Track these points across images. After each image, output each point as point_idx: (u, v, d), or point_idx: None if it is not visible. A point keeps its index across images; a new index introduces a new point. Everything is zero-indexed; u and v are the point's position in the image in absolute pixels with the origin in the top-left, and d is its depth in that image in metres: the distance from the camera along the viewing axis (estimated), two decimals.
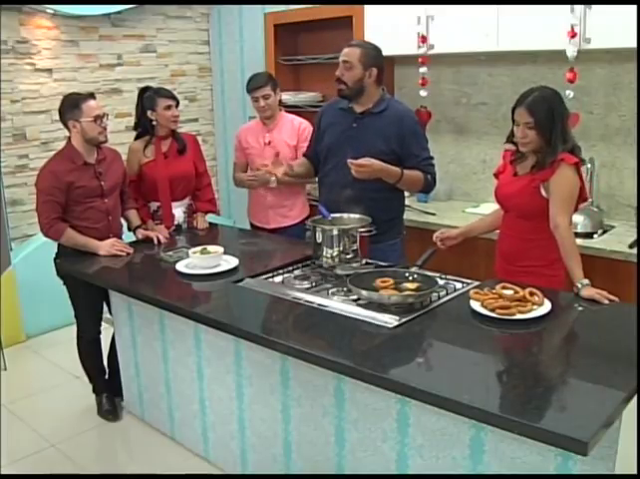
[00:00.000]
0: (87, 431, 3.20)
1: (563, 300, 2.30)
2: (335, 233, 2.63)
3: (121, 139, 4.12)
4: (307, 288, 2.51)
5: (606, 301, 2.24)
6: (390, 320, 2.14)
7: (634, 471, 1.81)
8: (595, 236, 3.20)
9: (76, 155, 3.01)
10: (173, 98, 3.35)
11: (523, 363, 1.90)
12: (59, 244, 3.08)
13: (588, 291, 2.28)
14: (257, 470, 2.66)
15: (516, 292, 2.21)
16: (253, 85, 3.46)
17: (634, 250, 2.91)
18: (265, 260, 2.99)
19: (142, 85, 3.60)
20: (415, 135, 2.93)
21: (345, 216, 2.78)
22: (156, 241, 3.21)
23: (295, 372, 2.35)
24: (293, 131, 3.52)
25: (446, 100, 4.06)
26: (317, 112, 3.26)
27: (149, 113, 3.32)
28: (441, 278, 2.47)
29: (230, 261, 2.79)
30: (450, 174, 4.08)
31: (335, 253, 2.63)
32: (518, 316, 2.11)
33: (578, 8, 3.04)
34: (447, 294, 2.37)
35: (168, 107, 3.31)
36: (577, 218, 3.24)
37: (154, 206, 3.44)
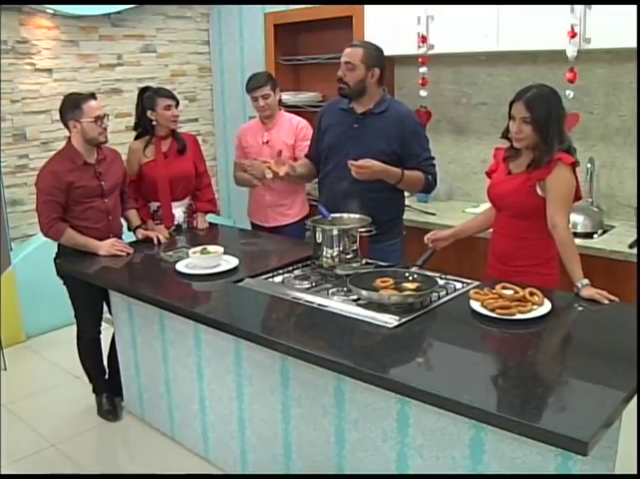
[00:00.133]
0: (87, 431, 3.20)
1: (563, 300, 2.30)
2: (335, 233, 2.63)
3: (121, 139, 4.11)
4: (307, 288, 2.51)
5: (606, 301, 2.24)
6: (390, 320, 2.14)
7: (634, 471, 1.81)
8: (595, 236, 3.20)
9: (76, 155, 3.01)
10: (173, 98, 3.35)
11: (523, 363, 1.90)
12: (59, 244, 3.08)
13: (588, 291, 2.27)
14: (257, 470, 2.66)
15: (516, 292, 2.21)
16: (253, 85, 3.47)
17: (634, 250, 2.91)
18: (265, 260, 2.99)
19: (142, 85, 3.60)
20: (416, 135, 2.93)
21: (345, 216, 2.78)
22: (155, 241, 3.21)
23: (295, 372, 2.35)
24: (291, 130, 3.53)
25: (446, 100, 4.06)
26: (317, 112, 3.26)
27: (148, 113, 3.32)
28: (441, 278, 2.47)
29: (230, 261, 2.79)
30: (450, 174, 4.08)
31: (335, 253, 2.63)
32: (518, 316, 2.11)
33: (578, 8, 3.04)
34: (447, 294, 2.37)
35: (168, 107, 3.32)
36: (577, 218, 3.24)
37: (154, 206, 3.44)
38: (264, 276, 2.68)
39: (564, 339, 2.17)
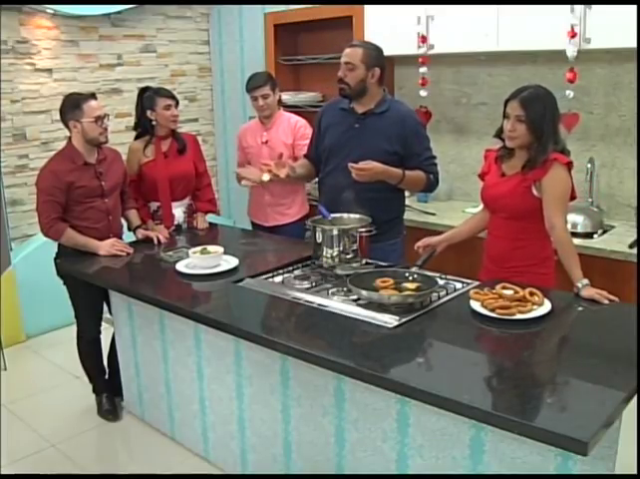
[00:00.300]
0: (87, 431, 3.20)
1: (563, 300, 2.29)
2: (335, 233, 2.63)
3: (121, 139, 4.11)
4: (307, 288, 2.51)
5: (606, 301, 2.24)
6: (390, 320, 2.14)
7: (634, 471, 1.82)
8: (595, 236, 3.20)
9: (76, 155, 3.01)
10: (173, 97, 3.36)
11: (523, 363, 1.90)
12: (59, 244, 3.08)
13: (588, 291, 2.27)
14: (257, 470, 2.66)
15: (516, 292, 2.21)
16: (252, 84, 3.47)
17: (634, 250, 2.91)
18: (265, 260, 3.00)
19: (142, 85, 3.60)
20: (417, 135, 2.94)
21: (345, 216, 2.78)
22: (155, 242, 3.21)
23: (295, 372, 2.35)
24: (289, 129, 3.53)
25: (446, 100, 4.06)
26: (317, 112, 3.26)
27: (148, 113, 3.32)
28: (441, 278, 2.47)
29: (230, 261, 2.79)
30: (450, 174, 4.08)
31: (335, 253, 2.63)
32: (518, 316, 2.11)
33: (578, 8, 3.04)
34: (447, 294, 2.37)
35: (168, 106, 3.32)
36: (577, 218, 3.25)
37: (154, 206, 3.44)
38: (264, 276, 2.68)
39: (564, 339, 2.17)
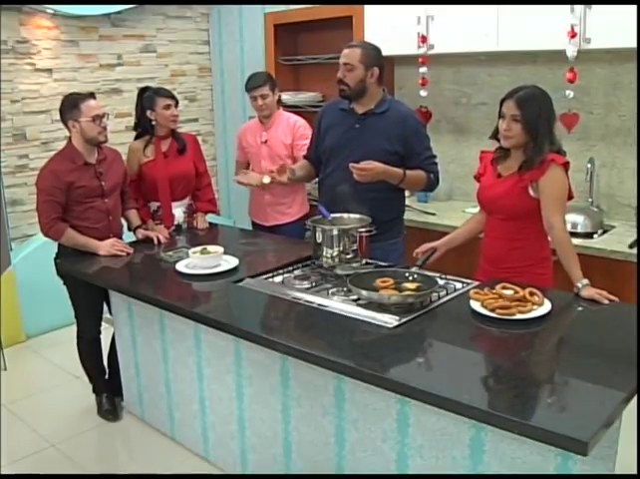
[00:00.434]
0: (87, 431, 3.20)
1: (563, 300, 2.29)
2: (335, 233, 2.63)
3: (121, 139, 4.12)
4: (307, 288, 2.51)
5: (606, 301, 2.24)
6: (390, 320, 2.14)
7: (634, 471, 1.82)
8: (595, 236, 3.21)
9: (76, 155, 3.01)
10: (172, 97, 3.36)
11: (523, 363, 1.90)
12: (59, 244, 3.08)
13: (588, 291, 2.27)
14: (257, 470, 2.66)
15: (516, 292, 2.21)
16: (252, 84, 3.48)
17: (634, 250, 2.91)
18: (265, 260, 3.00)
19: (142, 85, 3.60)
20: (418, 135, 2.94)
21: (345, 216, 2.78)
22: (155, 242, 3.21)
23: (295, 372, 2.35)
24: (288, 129, 3.54)
25: (446, 100, 4.06)
26: (317, 112, 3.26)
27: (148, 113, 3.32)
28: (441, 278, 2.47)
29: (230, 261, 2.79)
30: (450, 174, 4.08)
31: (335, 253, 2.63)
32: (518, 316, 2.11)
33: (578, 8, 3.04)
34: (447, 294, 2.37)
35: (168, 106, 3.32)
36: (577, 218, 3.25)
37: (154, 206, 3.44)
38: (264, 276, 2.68)
39: (564, 339, 2.16)
